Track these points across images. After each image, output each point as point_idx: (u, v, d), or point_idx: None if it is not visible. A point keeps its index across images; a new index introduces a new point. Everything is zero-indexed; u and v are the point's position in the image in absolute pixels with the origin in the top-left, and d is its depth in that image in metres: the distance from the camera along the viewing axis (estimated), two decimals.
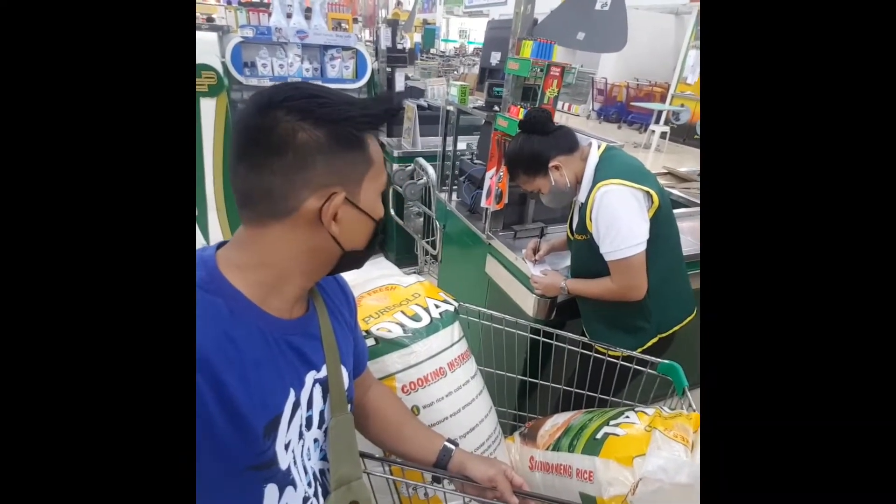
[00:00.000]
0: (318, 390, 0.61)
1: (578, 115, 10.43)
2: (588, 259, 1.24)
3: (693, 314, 1.34)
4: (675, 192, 2.33)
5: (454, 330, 1.03)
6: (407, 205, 2.87)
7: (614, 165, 1.18)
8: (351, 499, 0.62)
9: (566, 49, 1.54)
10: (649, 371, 1.15)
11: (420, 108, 2.84)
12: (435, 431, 0.83)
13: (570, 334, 1.21)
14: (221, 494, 0.51)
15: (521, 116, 1.34)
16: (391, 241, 3.11)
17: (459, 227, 2.00)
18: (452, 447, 0.79)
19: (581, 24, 1.56)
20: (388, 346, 0.92)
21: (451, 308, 1.05)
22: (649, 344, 1.28)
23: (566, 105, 10.68)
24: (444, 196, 2.15)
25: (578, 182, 1.24)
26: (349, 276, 0.74)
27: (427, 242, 2.82)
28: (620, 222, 1.12)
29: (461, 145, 2.19)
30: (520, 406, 1.39)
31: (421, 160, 2.49)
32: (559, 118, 1.29)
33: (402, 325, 0.95)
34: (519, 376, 1.27)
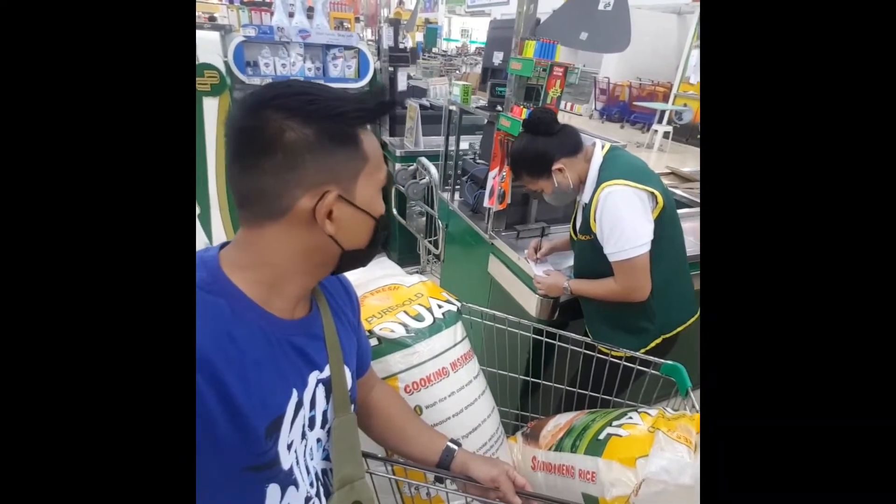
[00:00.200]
0: (321, 390, 0.61)
1: (581, 115, 10.42)
2: (591, 259, 1.24)
3: (696, 315, 1.33)
4: (678, 192, 2.33)
5: (457, 330, 1.03)
6: (409, 204, 2.87)
7: (618, 166, 1.18)
8: (354, 499, 0.62)
9: (568, 48, 1.53)
10: (652, 372, 1.15)
11: (422, 107, 2.84)
12: (438, 431, 0.83)
13: (572, 334, 1.21)
14: (223, 494, 0.51)
15: (523, 116, 1.34)
16: (394, 241, 3.11)
17: (462, 227, 2.00)
18: (455, 447, 0.78)
19: (584, 24, 1.55)
20: (390, 346, 0.92)
21: (454, 308, 1.05)
22: (652, 345, 1.27)
23: (569, 105, 10.67)
24: (446, 196, 2.15)
25: (582, 182, 1.24)
26: (352, 276, 0.74)
27: (429, 242, 2.82)
28: (624, 223, 1.12)
29: (463, 145, 2.19)
30: (522, 406, 1.39)
31: (423, 160, 2.49)
32: (561, 118, 1.28)
33: (404, 325, 0.95)
34: (521, 376, 1.27)
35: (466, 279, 2.06)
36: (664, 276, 1.20)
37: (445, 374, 0.96)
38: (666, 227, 1.18)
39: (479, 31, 16.89)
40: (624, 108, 9.35)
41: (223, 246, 0.56)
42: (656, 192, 1.14)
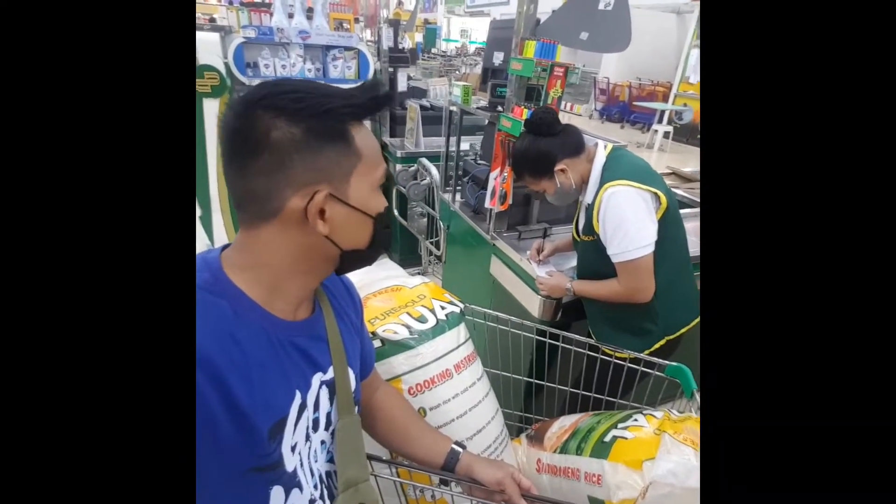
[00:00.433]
0: (324, 392, 0.61)
1: (581, 115, 10.42)
2: (594, 260, 1.23)
3: None
4: (679, 191, 2.32)
5: (460, 331, 1.02)
6: (410, 205, 2.87)
7: (621, 166, 1.17)
8: (358, 501, 0.61)
9: (567, 49, 1.53)
10: (657, 373, 1.15)
11: (423, 108, 2.84)
12: (442, 433, 0.82)
13: (576, 336, 1.20)
14: (226, 496, 0.51)
15: (524, 117, 1.33)
16: (395, 242, 3.11)
17: (463, 228, 1.99)
18: (460, 449, 0.78)
19: (584, 24, 1.55)
20: (394, 347, 0.92)
21: (457, 309, 1.05)
22: (656, 346, 1.27)
23: (568, 105, 10.67)
24: (447, 196, 2.14)
25: (585, 183, 1.24)
26: (354, 278, 0.73)
27: (431, 243, 2.81)
28: (628, 223, 1.11)
29: (464, 146, 2.18)
30: (526, 408, 1.39)
31: (424, 160, 2.49)
32: (561, 118, 1.28)
33: (407, 327, 0.94)
34: (525, 378, 1.26)
35: (468, 280, 2.05)
36: (668, 277, 1.20)
37: (449, 376, 0.95)
38: (669, 227, 1.18)
39: (478, 31, 16.90)
40: (624, 109, 9.34)
41: (225, 248, 0.56)
42: (660, 193, 1.14)
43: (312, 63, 2.70)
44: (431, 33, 12.48)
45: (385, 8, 4.11)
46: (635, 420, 0.90)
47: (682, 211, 1.34)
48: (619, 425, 0.90)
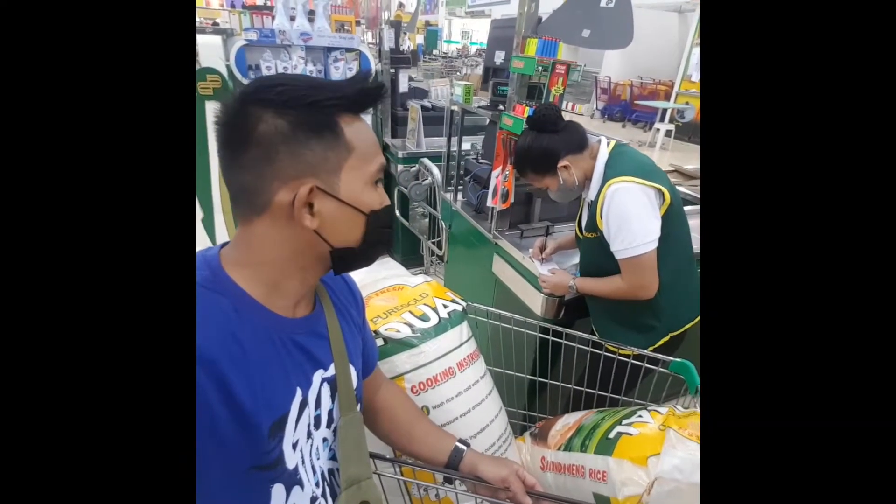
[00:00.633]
0: (326, 389, 0.61)
1: (582, 115, 10.41)
2: (598, 257, 1.23)
3: None
4: (682, 189, 2.32)
5: (463, 330, 1.02)
6: (412, 205, 2.87)
7: (625, 162, 1.17)
8: (361, 499, 0.61)
9: (568, 47, 1.53)
10: (661, 370, 1.14)
11: (424, 108, 2.84)
12: (446, 431, 0.82)
13: (579, 333, 1.20)
14: (227, 494, 0.51)
15: (526, 115, 1.33)
16: (397, 242, 3.11)
17: (465, 227, 1.99)
18: (464, 447, 0.78)
19: (586, 21, 1.54)
20: (396, 346, 0.91)
21: (460, 308, 1.05)
22: (660, 342, 1.26)
23: (569, 104, 10.66)
24: (449, 196, 2.14)
25: (588, 179, 1.23)
26: (356, 277, 0.73)
27: (433, 243, 2.81)
28: (632, 220, 1.11)
29: (465, 145, 2.18)
30: (529, 406, 1.38)
31: (426, 161, 2.49)
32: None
33: (410, 326, 0.94)
34: (528, 376, 1.26)
35: (470, 279, 2.05)
36: (671, 274, 1.19)
37: (452, 374, 0.95)
38: (673, 224, 1.17)
39: (479, 32, 16.93)
40: (625, 107, 9.33)
41: (224, 245, 0.56)
42: (663, 189, 1.13)
43: (314, 65, 2.71)
44: (433, 35, 12.50)
45: (386, 10, 4.11)
46: (640, 416, 0.89)
47: (685, 208, 1.34)
48: (624, 422, 0.89)
